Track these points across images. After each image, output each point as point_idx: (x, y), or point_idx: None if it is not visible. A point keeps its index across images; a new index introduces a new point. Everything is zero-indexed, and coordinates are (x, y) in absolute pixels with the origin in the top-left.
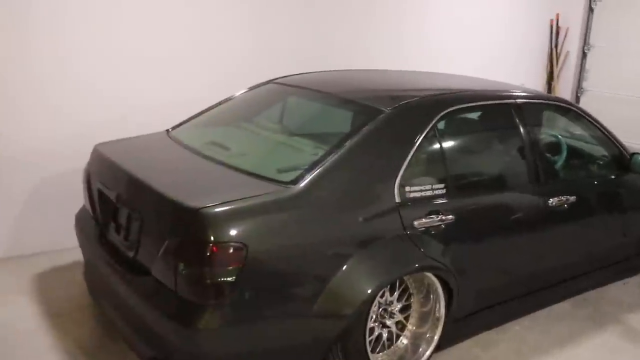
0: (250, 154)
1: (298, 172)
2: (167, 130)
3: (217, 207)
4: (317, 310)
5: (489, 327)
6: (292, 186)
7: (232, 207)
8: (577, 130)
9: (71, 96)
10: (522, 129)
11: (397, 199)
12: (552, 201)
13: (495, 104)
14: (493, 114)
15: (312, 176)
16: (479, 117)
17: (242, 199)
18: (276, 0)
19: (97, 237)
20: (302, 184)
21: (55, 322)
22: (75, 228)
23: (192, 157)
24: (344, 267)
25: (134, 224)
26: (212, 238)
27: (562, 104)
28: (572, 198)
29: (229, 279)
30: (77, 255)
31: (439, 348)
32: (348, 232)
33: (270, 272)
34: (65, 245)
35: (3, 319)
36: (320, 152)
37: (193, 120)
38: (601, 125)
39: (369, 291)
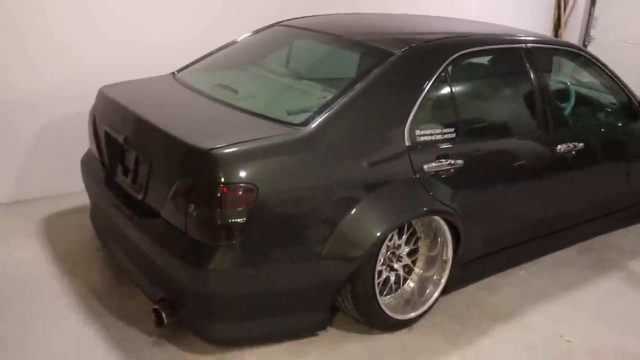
0: (258, 96)
1: (308, 115)
2: (173, 73)
3: (228, 148)
4: (327, 252)
5: (495, 271)
6: (303, 128)
7: (243, 148)
8: (587, 76)
9: (77, 39)
10: (532, 74)
11: (407, 142)
12: (560, 148)
13: (506, 47)
14: (503, 58)
15: (322, 118)
16: (490, 61)
17: (252, 140)
18: None
19: (104, 180)
20: (313, 126)
21: (64, 265)
22: (81, 172)
23: (200, 99)
24: (354, 210)
25: (142, 166)
26: (222, 179)
27: (572, 49)
28: (580, 145)
29: (239, 220)
30: (85, 199)
31: (445, 291)
32: (358, 175)
33: (280, 214)
34: (72, 190)
35: (12, 262)
36: (330, 95)
37: (198, 63)
38: (611, 72)
39: (378, 234)
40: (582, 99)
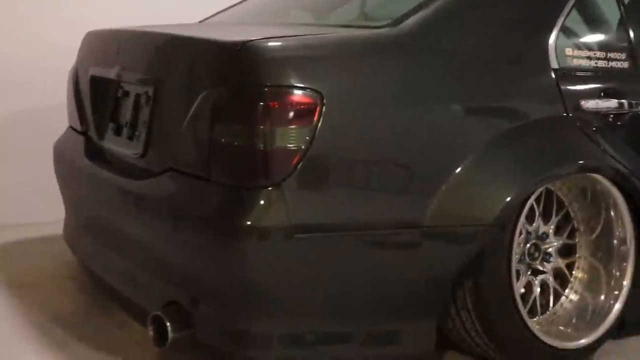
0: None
1: (400, 14)
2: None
3: (274, 42)
4: (429, 220)
5: None
6: (391, 28)
7: (297, 42)
8: None
9: None
10: None
11: (554, 64)
12: None
13: None
14: None
15: (422, 14)
16: None
17: (312, 35)
18: None
19: (87, 152)
20: (408, 23)
21: (23, 292)
22: (53, 162)
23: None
24: (469, 159)
25: (143, 108)
26: (266, 80)
27: None
28: None
29: (292, 146)
30: (50, 229)
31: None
32: (476, 103)
33: (359, 148)
34: (35, 219)
35: None
36: None
37: (224, 12)
38: None
39: (510, 197)
40: None
